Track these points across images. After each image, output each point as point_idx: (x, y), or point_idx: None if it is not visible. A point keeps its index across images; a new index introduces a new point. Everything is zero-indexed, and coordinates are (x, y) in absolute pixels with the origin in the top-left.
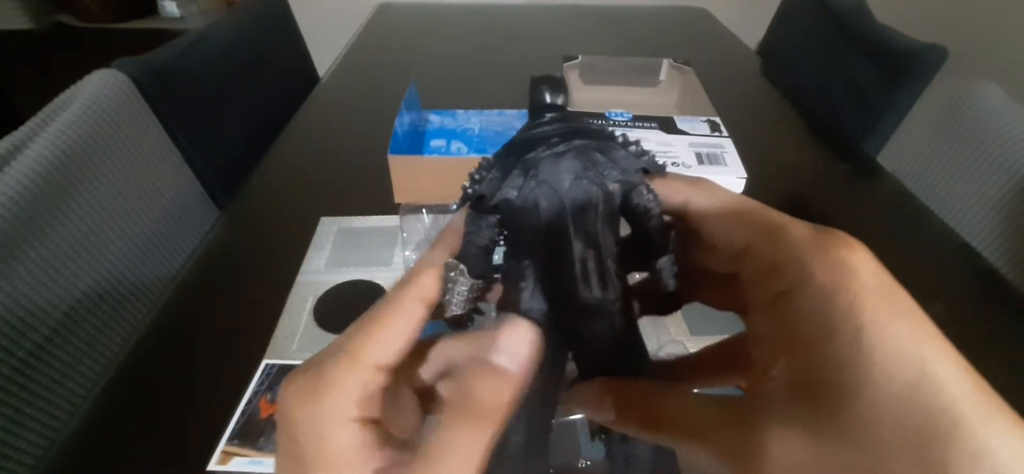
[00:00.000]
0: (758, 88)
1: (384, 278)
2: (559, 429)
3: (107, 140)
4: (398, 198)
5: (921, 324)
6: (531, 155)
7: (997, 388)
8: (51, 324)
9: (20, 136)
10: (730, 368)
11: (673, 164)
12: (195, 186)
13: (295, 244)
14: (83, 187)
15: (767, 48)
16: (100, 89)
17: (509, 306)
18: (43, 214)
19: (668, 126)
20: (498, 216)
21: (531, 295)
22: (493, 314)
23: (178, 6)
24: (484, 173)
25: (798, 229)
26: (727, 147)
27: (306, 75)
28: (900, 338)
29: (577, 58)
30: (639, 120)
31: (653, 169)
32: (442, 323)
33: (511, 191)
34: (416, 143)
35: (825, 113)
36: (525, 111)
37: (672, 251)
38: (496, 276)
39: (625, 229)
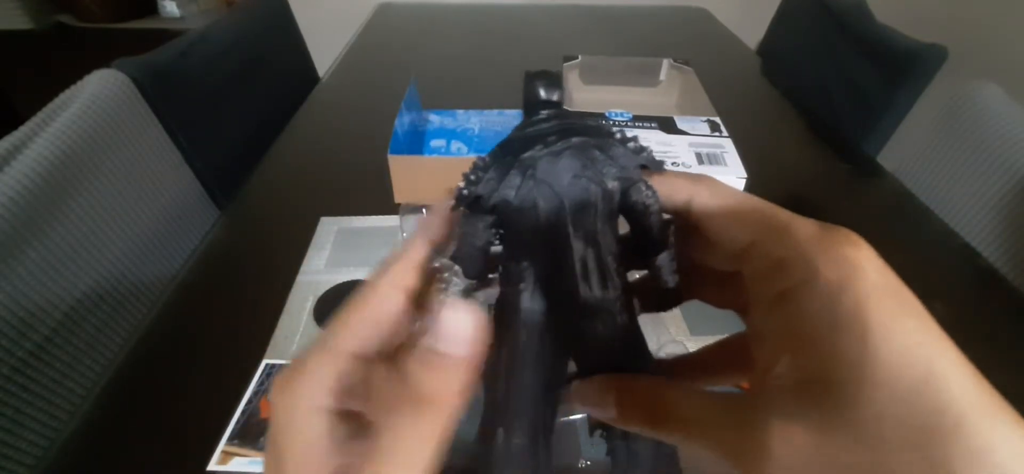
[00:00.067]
0: (758, 88)
1: None
2: (559, 429)
3: (107, 140)
4: (398, 198)
5: (926, 323)
6: (528, 154)
7: (997, 388)
8: (51, 324)
9: (20, 136)
10: (731, 367)
11: (673, 164)
12: (195, 186)
13: (295, 244)
14: (83, 187)
15: (767, 48)
16: (100, 89)
17: (508, 307)
18: (43, 214)
19: (668, 126)
20: (495, 216)
21: (531, 296)
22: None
23: (178, 6)
24: (480, 173)
25: (803, 226)
26: (727, 147)
27: (306, 75)
28: (907, 336)
29: (577, 58)
30: (639, 120)
31: (652, 165)
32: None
33: (509, 191)
34: (416, 143)
35: (825, 113)
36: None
37: (671, 247)
38: (491, 277)
39: (623, 226)
